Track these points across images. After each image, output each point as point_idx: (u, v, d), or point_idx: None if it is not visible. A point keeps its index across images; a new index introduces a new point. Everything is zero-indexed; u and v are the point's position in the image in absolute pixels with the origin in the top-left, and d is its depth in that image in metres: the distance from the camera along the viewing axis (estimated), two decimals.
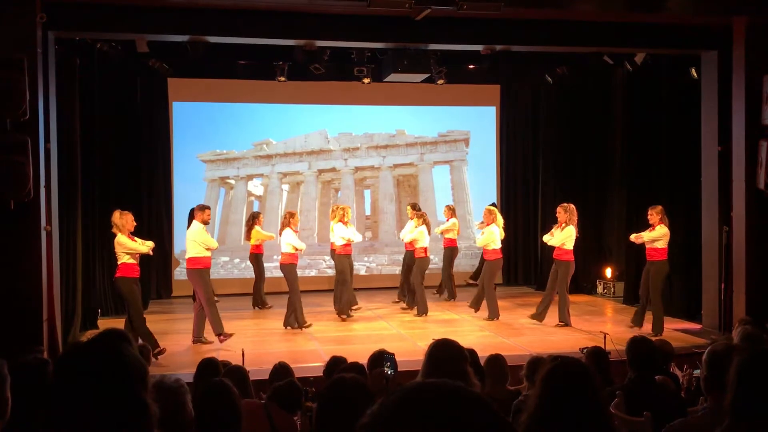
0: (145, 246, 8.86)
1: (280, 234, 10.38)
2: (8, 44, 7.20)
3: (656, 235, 9.66)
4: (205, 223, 9.42)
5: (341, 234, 10.81)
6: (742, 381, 2.65)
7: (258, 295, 11.90)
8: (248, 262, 12.24)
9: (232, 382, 3.61)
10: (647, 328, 9.56)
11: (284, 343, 9.45)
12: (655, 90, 11.46)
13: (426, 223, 11.43)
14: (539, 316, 10.30)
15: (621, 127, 12.66)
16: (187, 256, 9.41)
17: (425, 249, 11.40)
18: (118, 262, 8.73)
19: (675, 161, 10.96)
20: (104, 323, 10.16)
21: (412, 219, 11.68)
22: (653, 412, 4.17)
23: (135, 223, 8.88)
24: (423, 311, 11.10)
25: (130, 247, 8.70)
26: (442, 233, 12.55)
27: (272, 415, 4.31)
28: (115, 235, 8.76)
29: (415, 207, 11.98)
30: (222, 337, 9.14)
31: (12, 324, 7.07)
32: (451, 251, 12.61)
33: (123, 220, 8.72)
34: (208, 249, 9.40)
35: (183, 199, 13.08)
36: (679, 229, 10.63)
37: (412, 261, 11.47)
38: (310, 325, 10.12)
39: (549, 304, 10.28)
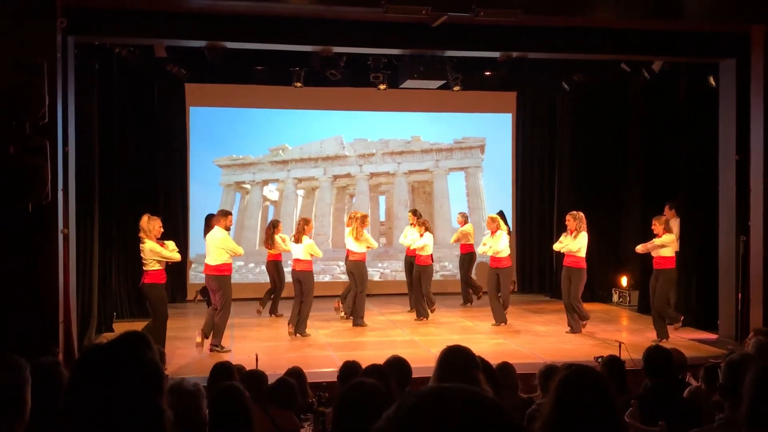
0: (175, 252, 8.88)
1: (298, 241, 10.25)
2: (28, 48, 7.28)
3: (666, 241, 9.66)
4: (228, 229, 9.39)
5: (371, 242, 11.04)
6: (757, 391, 2.63)
7: (275, 303, 11.70)
8: (263, 267, 12.14)
9: (250, 386, 3.63)
10: (674, 336, 9.68)
11: (298, 348, 9.45)
12: (672, 98, 11.39)
13: (429, 230, 11.44)
14: (576, 326, 10.25)
15: (638, 135, 12.58)
16: (210, 263, 9.23)
17: (431, 256, 11.43)
18: (146, 269, 8.72)
19: (692, 170, 10.88)
20: (120, 327, 10.22)
21: (413, 226, 11.67)
22: (669, 422, 4.14)
23: (162, 229, 8.91)
24: (424, 316, 11.29)
25: (163, 255, 8.70)
26: (457, 241, 12.55)
27: (272, 416, 4.34)
28: (141, 240, 8.78)
29: (416, 213, 11.95)
30: (211, 346, 9.05)
31: (28, 326, 7.11)
32: (469, 257, 12.58)
33: (151, 225, 8.73)
34: (234, 255, 9.37)
35: (199, 203, 13.15)
36: (696, 238, 10.54)
37: (415, 267, 11.50)
38: (308, 335, 10.07)
39: (576, 310, 10.25)
